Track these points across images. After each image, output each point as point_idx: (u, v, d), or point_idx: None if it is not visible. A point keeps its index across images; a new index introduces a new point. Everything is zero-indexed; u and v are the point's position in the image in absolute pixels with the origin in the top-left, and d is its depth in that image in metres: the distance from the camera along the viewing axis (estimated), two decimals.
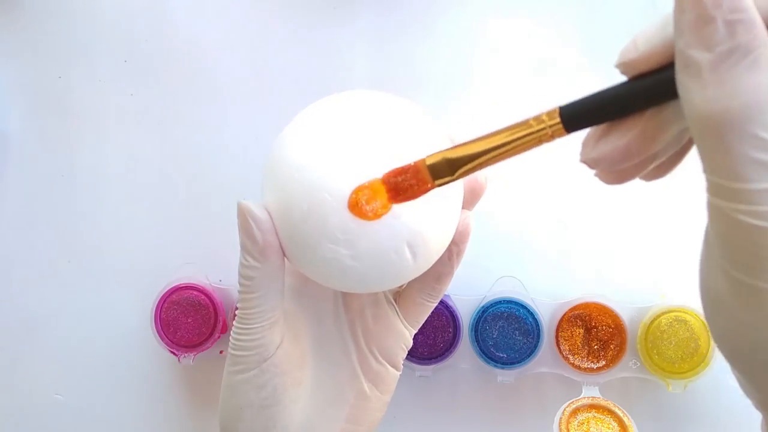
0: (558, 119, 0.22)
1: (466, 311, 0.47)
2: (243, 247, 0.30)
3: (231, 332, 0.31)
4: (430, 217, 0.29)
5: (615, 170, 0.22)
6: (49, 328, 0.50)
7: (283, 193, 0.29)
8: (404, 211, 0.28)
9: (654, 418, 0.48)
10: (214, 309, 0.47)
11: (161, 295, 0.47)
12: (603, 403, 0.45)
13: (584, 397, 0.45)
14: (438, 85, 0.50)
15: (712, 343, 0.45)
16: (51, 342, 0.50)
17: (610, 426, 0.44)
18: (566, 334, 0.46)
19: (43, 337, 0.50)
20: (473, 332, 0.46)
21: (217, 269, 0.49)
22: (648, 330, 0.45)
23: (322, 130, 0.30)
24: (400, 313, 0.34)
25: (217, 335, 0.47)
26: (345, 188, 0.28)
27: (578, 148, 0.23)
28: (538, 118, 0.22)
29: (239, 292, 0.31)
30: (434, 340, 0.46)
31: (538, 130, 0.22)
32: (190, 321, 0.47)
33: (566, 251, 0.49)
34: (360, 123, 0.29)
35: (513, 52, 0.49)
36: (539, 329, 0.46)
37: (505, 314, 0.46)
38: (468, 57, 0.50)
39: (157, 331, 0.47)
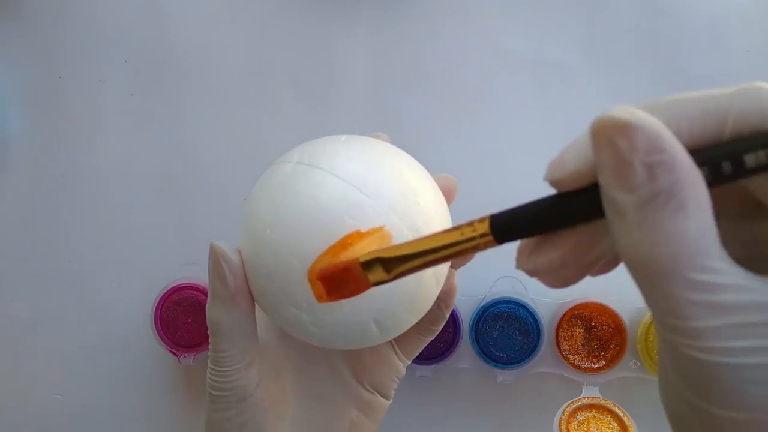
0: (488, 230, 0.21)
1: (466, 311, 0.47)
2: (212, 290, 0.29)
3: (208, 378, 0.31)
4: (403, 291, 0.27)
5: (555, 276, 0.21)
6: (49, 328, 0.50)
7: (253, 245, 0.28)
8: (372, 289, 0.25)
9: (654, 418, 0.48)
10: None
11: (161, 295, 0.47)
12: (603, 403, 0.45)
13: (584, 397, 0.45)
14: (438, 85, 0.50)
15: None
16: (51, 342, 0.50)
17: (610, 426, 0.44)
18: (566, 334, 0.46)
19: (43, 337, 0.50)
20: (473, 332, 0.46)
21: None
22: (648, 330, 0.45)
23: (299, 188, 0.27)
24: (395, 345, 0.34)
25: None
26: (313, 255, 0.26)
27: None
28: (471, 226, 0.21)
29: (210, 335, 0.30)
30: (434, 340, 0.46)
31: (470, 239, 0.21)
32: (190, 321, 0.47)
33: None
34: (339, 188, 0.27)
35: (513, 52, 0.49)
36: (539, 329, 0.46)
37: (505, 314, 0.46)
38: (468, 57, 0.50)
39: (157, 331, 0.47)
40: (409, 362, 0.34)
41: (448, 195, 0.31)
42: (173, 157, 0.50)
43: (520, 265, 0.21)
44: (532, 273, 0.21)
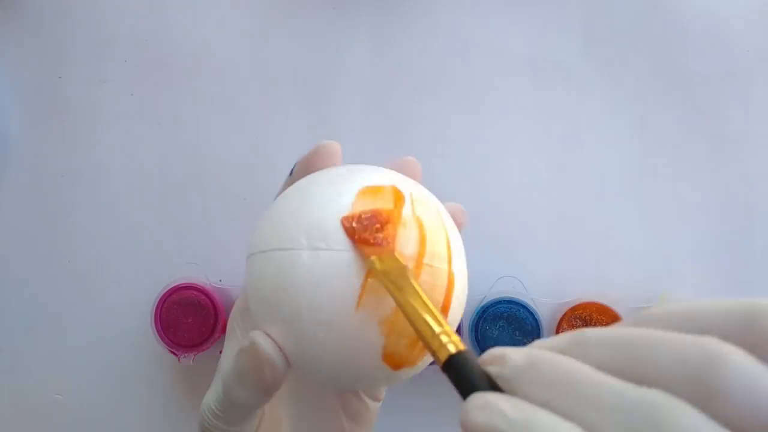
0: (446, 354, 0.21)
1: (466, 311, 0.47)
2: (242, 378, 0.28)
3: (203, 417, 0.30)
4: (458, 310, 0.28)
5: None
6: (49, 328, 0.50)
7: (301, 347, 0.26)
8: None
9: None
10: (214, 309, 0.47)
11: (161, 295, 0.47)
12: None
13: None
14: (438, 85, 0.50)
15: None
16: (51, 342, 0.50)
17: None
18: None
19: (43, 337, 0.50)
20: (473, 332, 0.46)
21: (217, 269, 0.49)
22: None
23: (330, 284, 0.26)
24: None
25: (217, 335, 0.47)
26: (377, 342, 0.26)
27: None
28: (449, 338, 0.22)
29: (222, 400, 0.29)
30: None
31: (436, 342, 0.22)
32: (190, 321, 0.47)
33: (566, 251, 0.49)
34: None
35: (513, 52, 0.49)
36: (539, 329, 0.46)
37: (505, 314, 0.46)
38: (468, 58, 0.50)
39: (157, 331, 0.47)
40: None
41: (458, 226, 0.31)
42: (173, 157, 0.50)
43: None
44: None
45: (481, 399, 0.19)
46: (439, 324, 0.22)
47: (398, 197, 0.27)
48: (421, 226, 0.27)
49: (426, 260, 0.26)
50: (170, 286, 0.47)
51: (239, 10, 0.50)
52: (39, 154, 0.50)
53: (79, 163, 0.50)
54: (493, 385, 0.20)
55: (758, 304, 0.17)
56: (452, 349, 0.21)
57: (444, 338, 0.22)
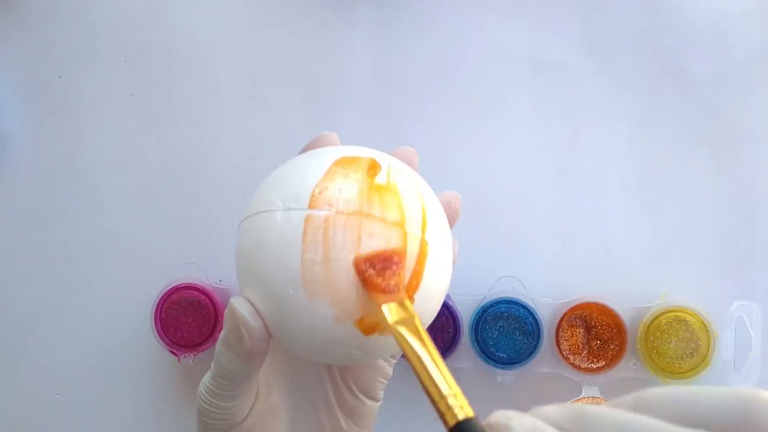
0: (453, 423, 0.22)
1: (466, 311, 0.47)
2: (227, 343, 0.28)
3: (199, 396, 0.31)
4: (440, 289, 0.28)
5: None
6: (49, 328, 0.50)
7: (277, 306, 0.27)
8: (416, 302, 0.27)
9: None
10: (214, 309, 0.47)
11: (161, 295, 0.47)
12: (603, 403, 0.45)
13: (584, 397, 0.45)
14: (438, 85, 0.50)
15: (712, 343, 0.45)
16: (51, 342, 0.50)
17: None
18: (566, 334, 0.46)
19: (43, 337, 0.50)
20: (473, 332, 0.46)
21: (217, 269, 0.49)
22: (648, 330, 0.45)
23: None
24: None
25: (217, 335, 0.47)
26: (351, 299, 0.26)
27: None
28: (457, 401, 0.22)
29: (213, 372, 0.29)
30: (434, 340, 0.46)
31: (444, 403, 0.22)
32: (190, 321, 0.47)
33: (566, 251, 0.49)
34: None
35: (513, 52, 0.49)
36: (539, 329, 0.46)
37: (505, 314, 0.46)
38: (468, 57, 0.50)
39: (157, 331, 0.47)
40: (395, 362, 0.34)
41: (451, 210, 0.31)
42: (173, 156, 0.50)
43: None
44: None
45: None
46: (449, 385, 0.22)
47: (373, 166, 0.28)
48: (395, 192, 0.28)
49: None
50: (170, 286, 0.47)
51: (239, 10, 0.50)
52: (39, 154, 0.50)
53: (78, 163, 0.50)
54: None
55: (756, 398, 0.18)
56: (460, 415, 0.22)
57: (452, 401, 0.22)
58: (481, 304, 0.46)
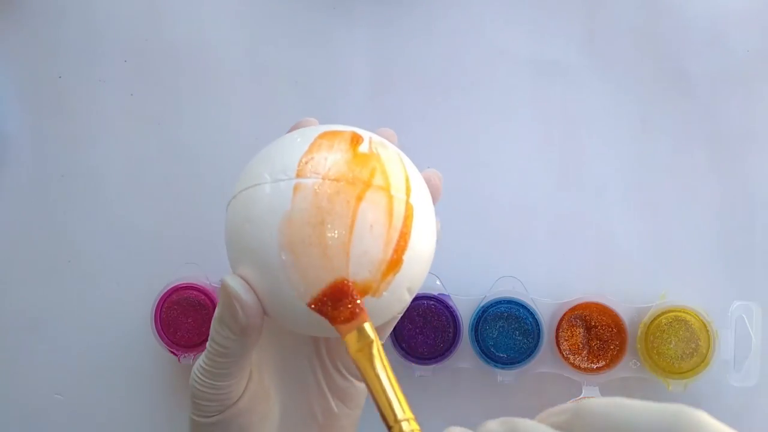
0: None
1: (466, 311, 0.47)
2: (222, 319, 0.29)
3: (192, 378, 0.31)
4: (425, 252, 0.29)
5: None
6: (49, 328, 0.50)
7: (269, 274, 0.28)
8: (405, 263, 0.28)
9: None
10: (214, 309, 0.47)
11: (161, 295, 0.47)
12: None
13: (584, 397, 0.45)
14: (438, 84, 0.50)
15: (712, 343, 0.45)
16: (51, 342, 0.50)
17: None
18: (566, 334, 0.46)
19: (43, 337, 0.50)
20: (473, 332, 0.46)
21: (217, 269, 0.48)
22: (648, 330, 0.45)
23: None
24: None
25: None
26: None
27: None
28: (409, 425, 0.24)
29: (208, 350, 0.30)
30: (434, 340, 0.46)
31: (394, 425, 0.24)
32: (190, 321, 0.47)
33: (566, 251, 0.49)
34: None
35: (513, 52, 0.49)
36: (539, 329, 0.46)
37: (505, 314, 0.46)
38: (468, 57, 0.50)
39: (157, 331, 0.47)
40: (383, 341, 0.34)
41: (434, 188, 0.32)
42: (173, 156, 0.50)
43: None
44: None
45: None
46: (404, 410, 0.24)
47: (355, 137, 0.30)
48: (378, 159, 0.29)
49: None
50: (170, 286, 0.47)
51: (239, 9, 0.50)
52: (39, 154, 0.50)
53: (78, 163, 0.50)
54: None
55: (682, 414, 0.19)
56: None
57: (405, 426, 0.23)
58: (481, 304, 0.46)
